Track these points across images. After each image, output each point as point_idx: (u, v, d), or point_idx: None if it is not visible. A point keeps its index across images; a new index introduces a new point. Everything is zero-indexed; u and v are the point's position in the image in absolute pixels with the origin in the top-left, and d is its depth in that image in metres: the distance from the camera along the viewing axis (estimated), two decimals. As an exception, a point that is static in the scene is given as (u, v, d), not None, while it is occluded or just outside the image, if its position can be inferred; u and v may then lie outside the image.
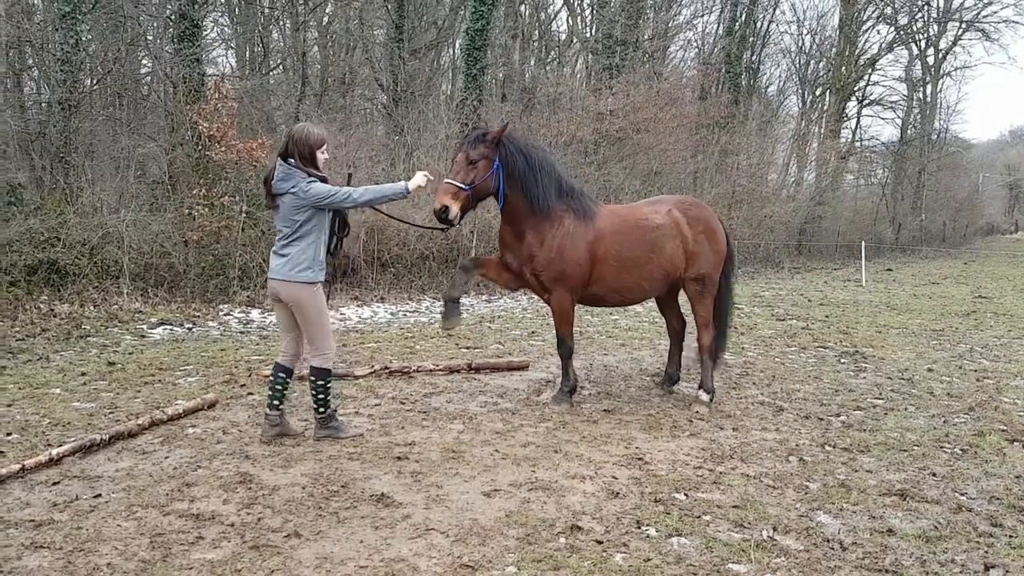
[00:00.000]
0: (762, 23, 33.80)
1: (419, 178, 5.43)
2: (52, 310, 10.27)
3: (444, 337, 9.56)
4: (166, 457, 4.99)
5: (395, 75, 23.07)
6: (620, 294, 6.57)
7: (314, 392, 5.38)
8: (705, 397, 6.69)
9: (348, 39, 26.51)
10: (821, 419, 6.40)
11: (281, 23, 26.35)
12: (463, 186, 5.80)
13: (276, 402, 5.38)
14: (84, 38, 14.84)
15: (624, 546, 3.94)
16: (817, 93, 38.36)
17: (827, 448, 5.65)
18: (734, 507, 4.49)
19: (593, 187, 20.69)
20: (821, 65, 38.32)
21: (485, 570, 3.63)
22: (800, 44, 38.09)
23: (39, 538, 3.78)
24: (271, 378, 5.43)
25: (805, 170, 36.42)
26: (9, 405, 6.11)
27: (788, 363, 8.66)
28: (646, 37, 28.80)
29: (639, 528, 4.17)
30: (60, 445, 4.97)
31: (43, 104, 16.25)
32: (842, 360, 8.90)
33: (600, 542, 3.97)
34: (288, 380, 5.42)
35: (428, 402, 6.55)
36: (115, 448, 5.12)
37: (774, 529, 4.19)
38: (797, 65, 37.85)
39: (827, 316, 12.62)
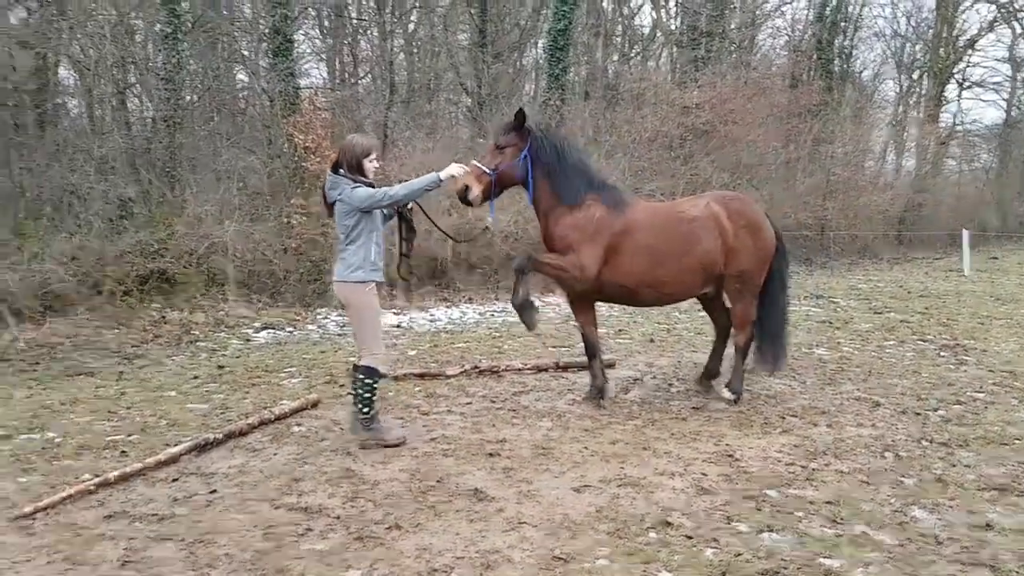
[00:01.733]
0: (854, 7, 32.67)
1: (453, 168, 5.60)
2: (164, 317, 10.90)
3: (531, 336, 9.71)
4: (275, 454, 5.31)
5: (479, 78, 23.38)
6: (655, 289, 6.32)
7: (360, 391, 5.47)
8: (729, 396, 6.62)
9: (433, 45, 27.04)
10: (919, 414, 6.27)
11: (369, 32, 27.07)
12: (487, 170, 5.88)
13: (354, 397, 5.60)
14: (184, 56, 15.64)
15: (714, 541, 4.00)
16: (915, 77, 36.87)
17: (924, 443, 5.54)
18: (827, 503, 4.49)
19: (679, 182, 20.52)
20: (918, 48, 36.83)
21: (577, 562, 3.75)
22: (895, 27, 36.69)
23: (163, 530, 4.11)
24: (353, 377, 5.61)
25: (903, 157, 35.13)
26: (129, 408, 6.57)
27: (886, 357, 8.46)
28: (732, 27, 28.31)
29: (729, 524, 4.21)
30: (177, 444, 5.35)
31: (148, 121, 17.22)
32: (942, 353, 8.64)
33: (690, 537, 4.04)
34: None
35: (517, 400, 6.72)
36: (228, 446, 5.46)
37: (867, 524, 4.17)
38: (892, 49, 36.48)
39: (927, 308, 12.20)
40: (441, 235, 7.54)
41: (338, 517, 4.25)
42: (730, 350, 6.91)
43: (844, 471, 5.01)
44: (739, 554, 3.85)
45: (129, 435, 5.77)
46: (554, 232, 6.16)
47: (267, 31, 17.83)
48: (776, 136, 23.61)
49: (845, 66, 33.18)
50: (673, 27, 29.28)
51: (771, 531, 4.11)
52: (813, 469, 5.04)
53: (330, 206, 5.46)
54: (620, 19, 30.58)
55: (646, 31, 30.86)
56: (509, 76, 25.63)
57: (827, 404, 6.58)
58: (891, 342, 9.33)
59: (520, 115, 5.99)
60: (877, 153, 34.11)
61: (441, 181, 5.51)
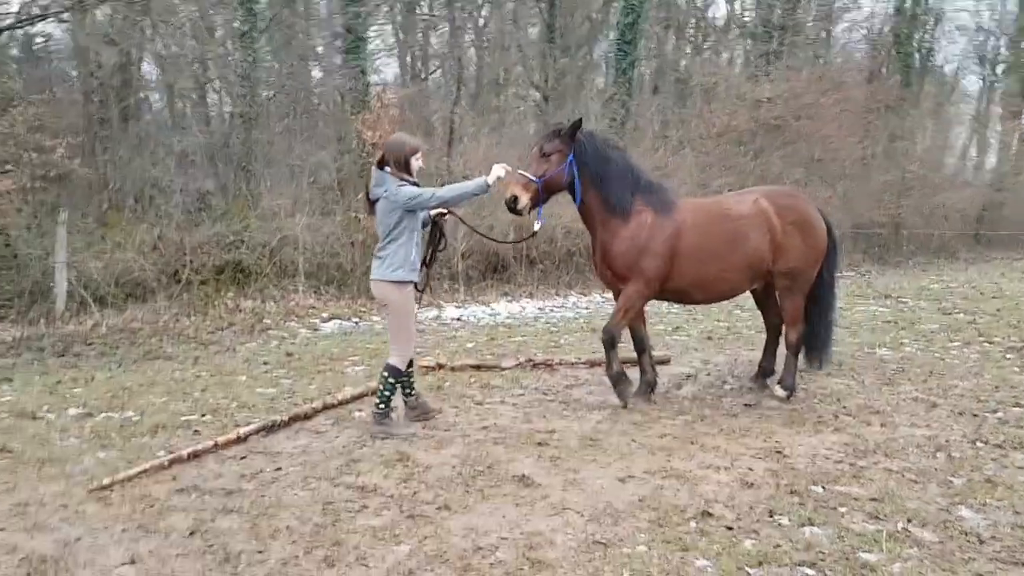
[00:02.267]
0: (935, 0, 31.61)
1: (497, 170, 5.61)
2: (238, 306, 11.38)
3: (588, 331, 9.84)
4: (336, 437, 5.57)
5: (546, 73, 23.48)
6: (703, 289, 6.37)
7: (381, 387, 5.60)
8: (781, 393, 6.59)
9: (502, 40, 27.25)
10: (976, 415, 6.18)
11: (439, 28, 27.45)
12: (533, 178, 5.87)
13: (408, 390, 5.86)
14: (261, 54, 16.19)
15: (754, 533, 4.08)
16: (999, 72, 35.51)
17: (978, 444, 5.49)
18: (872, 500, 4.51)
19: (748, 178, 20.29)
20: (1002, 42, 35.47)
21: (616, 547, 3.88)
22: (978, 21, 35.38)
23: (230, 504, 4.39)
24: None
25: (985, 154, 33.93)
26: (203, 390, 6.95)
27: (948, 359, 8.31)
28: (808, 21, 27.78)
29: (771, 517, 4.28)
30: (247, 425, 5.66)
31: (226, 117, 17.88)
32: (1008, 356, 8.43)
33: (730, 528, 4.13)
34: (411, 370, 5.83)
35: (569, 393, 6.86)
36: (293, 428, 5.76)
37: (909, 521, 4.19)
38: (975, 43, 35.20)
39: (998, 309, 11.86)
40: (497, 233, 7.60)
41: (391, 496, 4.47)
42: (782, 348, 6.90)
43: (893, 469, 5.00)
44: (778, 545, 3.92)
45: (202, 415, 6.12)
46: (612, 248, 6.15)
47: (340, 28, 18.28)
48: (851, 132, 23.10)
49: (925, 61, 32.22)
50: (747, 20, 28.88)
51: (812, 525, 4.17)
52: (861, 467, 5.05)
53: (372, 203, 5.56)
54: (694, 11, 30.28)
55: (720, 23, 30.47)
56: (578, 70, 25.67)
57: (883, 404, 6.53)
58: (956, 343, 9.14)
59: (578, 123, 5.99)
60: (957, 150, 33.06)
61: (489, 186, 5.55)
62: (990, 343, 9.15)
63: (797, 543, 3.95)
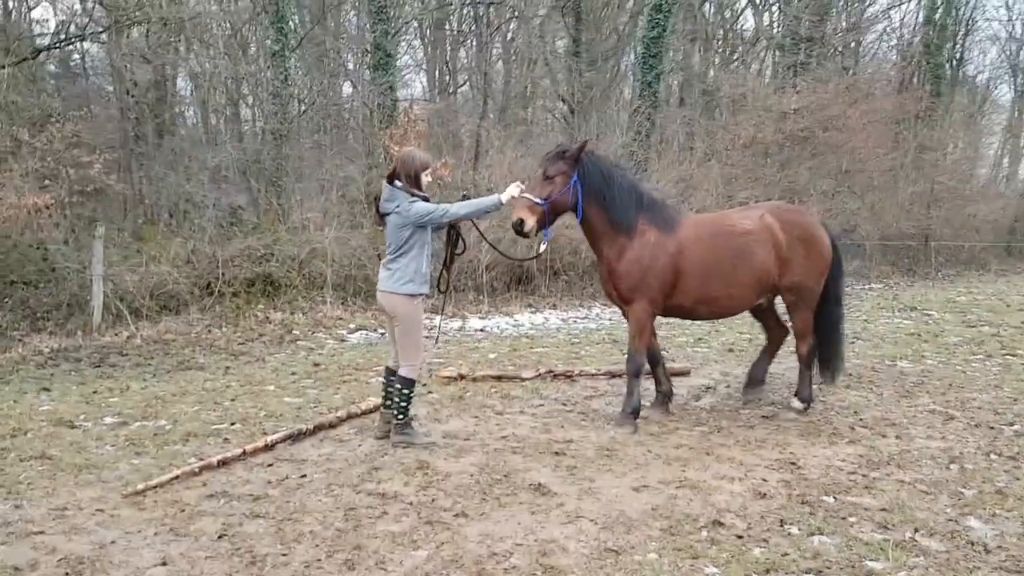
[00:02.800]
0: (965, 10, 31.37)
1: (512, 189, 5.75)
2: (267, 317, 11.64)
3: (610, 343, 9.96)
4: (359, 445, 5.75)
5: (573, 86, 23.66)
6: (709, 305, 6.42)
7: (397, 399, 5.71)
8: (799, 405, 6.65)
9: (529, 53, 27.50)
10: (992, 428, 6.23)
11: (468, 43, 27.79)
12: (539, 201, 5.90)
13: (390, 401, 5.86)
14: (292, 72, 16.55)
15: (764, 541, 4.18)
16: (1032, 81, 35.10)
17: (992, 456, 5.54)
18: (881, 510, 4.59)
19: (775, 189, 20.28)
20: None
21: (628, 555, 4.00)
22: (1011, 30, 35.08)
23: (256, 508, 4.58)
24: (384, 381, 5.92)
25: (1018, 164, 33.51)
26: (233, 400, 7.18)
27: (969, 371, 8.32)
28: (837, 32, 27.71)
29: (782, 526, 4.38)
30: (274, 433, 5.86)
31: (258, 133, 18.27)
32: (1031, 369, 8.43)
33: (740, 536, 4.23)
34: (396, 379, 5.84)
35: (588, 404, 6.99)
36: (318, 437, 5.94)
37: (916, 531, 4.27)
38: (1008, 53, 34.86)
39: (1023, 322, 11.79)
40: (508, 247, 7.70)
41: (411, 503, 4.63)
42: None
43: (905, 481, 5.07)
44: (786, 554, 4.02)
45: (232, 424, 6.34)
46: (617, 268, 6.19)
47: (369, 46, 18.62)
48: (879, 143, 22.99)
49: (956, 71, 31.95)
50: (774, 31, 28.88)
51: (821, 534, 4.26)
52: (874, 478, 5.13)
53: (382, 216, 5.66)
54: (722, 23, 30.34)
55: (748, 35, 30.48)
56: (604, 82, 25.84)
57: (899, 416, 6.58)
58: (978, 356, 9.13)
59: (582, 145, 6.08)
60: (990, 160, 32.70)
61: (502, 204, 5.68)
62: (1012, 356, 9.13)
63: (805, 552, 4.05)
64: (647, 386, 6.81)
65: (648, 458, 5.49)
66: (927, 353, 9.31)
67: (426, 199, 5.63)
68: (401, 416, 5.74)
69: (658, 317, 6.53)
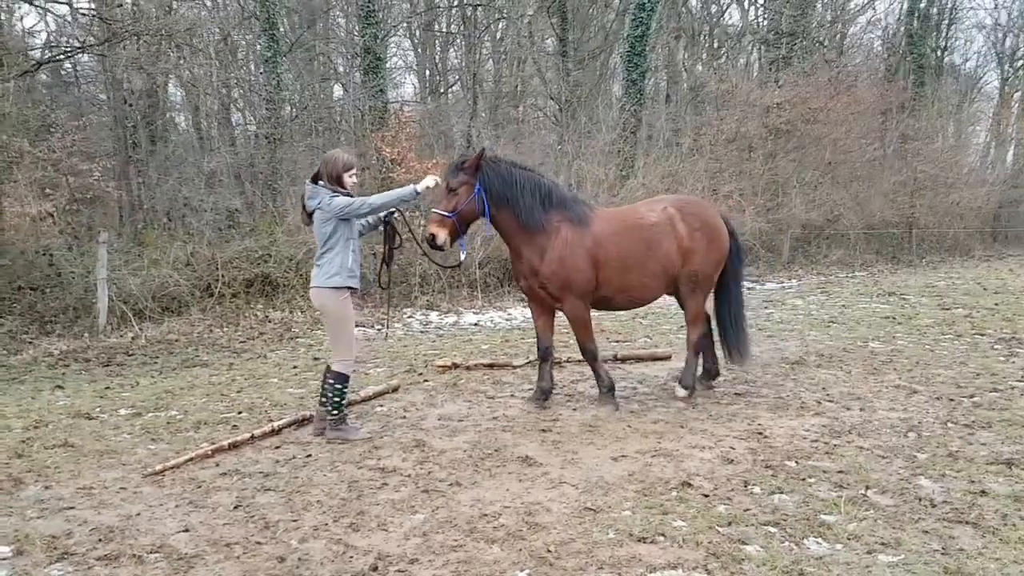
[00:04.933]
0: None
1: (428, 180, 5.98)
2: (267, 316, 12.05)
3: (597, 332, 10.38)
4: (360, 428, 6.16)
5: (561, 84, 24.08)
6: (627, 294, 6.65)
7: (330, 395, 5.81)
8: (681, 392, 6.85)
9: (518, 53, 27.90)
10: (952, 399, 6.66)
11: (457, 43, 28.18)
12: (447, 214, 6.10)
13: (324, 398, 5.92)
14: (284, 77, 16.94)
15: (728, 500, 4.61)
16: (1018, 69, 35.62)
17: (949, 425, 5.98)
18: (839, 472, 5.02)
19: (759, 182, 20.76)
20: (1021, 39, 35.61)
21: (605, 512, 4.43)
22: (996, 18, 35.60)
23: (267, 483, 5.01)
24: (325, 377, 5.92)
25: (1004, 151, 34.04)
26: (239, 391, 7.60)
27: (938, 350, 8.77)
28: (820, 25, 28.16)
29: (745, 487, 4.81)
30: (279, 420, 6.28)
31: (251, 137, 18.66)
32: (995, 347, 8.88)
33: (707, 496, 4.67)
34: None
35: (574, 387, 7.43)
36: (320, 422, 6.36)
37: (868, 488, 4.71)
38: (994, 40, 35.40)
39: (996, 304, 12.26)
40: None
41: (409, 475, 5.06)
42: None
43: (864, 447, 5.51)
44: (748, 509, 4.45)
45: (239, 413, 6.76)
46: (542, 271, 6.34)
47: (359, 49, 19.01)
48: (862, 133, 23.46)
49: (940, 60, 32.44)
50: (759, 26, 29.34)
51: (781, 493, 4.69)
52: (835, 445, 5.56)
53: (309, 215, 5.80)
54: (707, 19, 30.78)
55: (735, 30, 30.91)
56: (593, 80, 26.25)
57: (865, 391, 7.03)
58: (948, 336, 9.59)
59: (480, 153, 6.26)
60: (977, 148, 33.22)
61: (418, 193, 5.82)
62: (981, 335, 9.59)
63: (765, 507, 4.48)
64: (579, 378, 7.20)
65: (627, 432, 5.93)
66: (899, 334, 9.76)
67: (349, 195, 5.76)
68: (335, 412, 5.86)
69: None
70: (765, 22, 28.48)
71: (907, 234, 23.81)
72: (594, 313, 6.82)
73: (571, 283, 6.36)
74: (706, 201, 7.24)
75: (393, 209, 6.08)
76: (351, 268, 5.78)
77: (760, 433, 5.84)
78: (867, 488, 4.72)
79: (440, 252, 6.44)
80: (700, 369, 7.23)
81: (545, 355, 6.80)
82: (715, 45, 31.04)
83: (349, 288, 5.82)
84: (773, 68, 24.11)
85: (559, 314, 6.75)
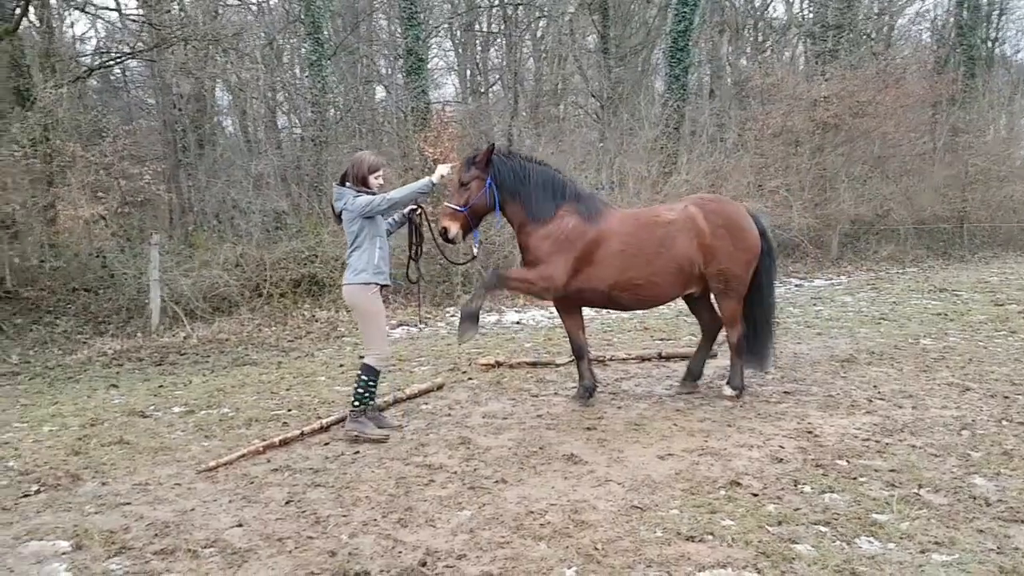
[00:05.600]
0: (1000, -11, 30.96)
1: (441, 169, 5.98)
2: (314, 316, 12.22)
3: (641, 330, 10.36)
4: (406, 425, 6.24)
5: (602, 82, 24.01)
6: (633, 292, 6.47)
7: (356, 386, 5.91)
8: (729, 392, 6.76)
9: (559, 50, 27.88)
10: (1007, 397, 6.50)
11: (498, 43, 28.26)
12: (458, 208, 6.18)
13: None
14: (328, 81, 17.15)
15: (778, 499, 4.56)
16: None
17: (1003, 422, 5.83)
18: (891, 471, 4.93)
19: (806, 177, 20.45)
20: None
21: (652, 511, 4.42)
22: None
23: (317, 479, 5.09)
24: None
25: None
26: (288, 389, 7.73)
27: (991, 347, 8.55)
28: (863, 18, 27.65)
29: (795, 486, 4.75)
30: (328, 417, 6.37)
31: (297, 140, 18.94)
32: (1052, 343, 8.64)
33: (756, 495, 4.62)
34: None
35: (619, 385, 7.41)
36: (367, 420, 6.43)
37: (921, 487, 4.62)
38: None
39: (1053, 300, 11.93)
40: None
41: (455, 472, 5.10)
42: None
43: (916, 445, 5.41)
44: (798, 509, 4.40)
45: (288, 410, 6.88)
46: (528, 244, 6.39)
47: (401, 51, 19.17)
48: (912, 127, 22.97)
49: (991, 51, 31.60)
50: (804, 19, 28.92)
51: (832, 492, 4.63)
52: (887, 443, 5.46)
53: (338, 216, 5.93)
54: (752, 13, 30.43)
55: (780, 23, 30.51)
56: (635, 76, 26.12)
57: (918, 389, 6.88)
58: (1001, 332, 9.35)
59: (490, 148, 6.27)
60: (1030, 140, 32.24)
61: (434, 184, 5.88)
62: (1037, 331, 9.34)
63: (816, 507, 4.42)
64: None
65: (674, 430, 5.89)
66: (951, 331, 9.54)
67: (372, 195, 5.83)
68: (358, 404, 5.91)
69: (595, 312, 6.61)
70: (811, 15, 28.07)
71: (959, 229, 23.22)
72: (633, 313, 6.74)
73: (548, 257, 6.29)
74: (729, 199, 7.06)
75: (415, 205, 6.16)
76: (378, 265, 5.85)
77: (810, 432, 5.76)
78: (920, 487, 4.64)
79: (452, 245, 6.51)
80: (704, 365, 7.21)
81: (580, 353, 6.79)
82: (760, 39, 30.67)
83: (378, 284, 5.88)
84: (819, 61, 23.73)
85: (587, 311, 6.70)
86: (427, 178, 5.95)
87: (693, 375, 7.15)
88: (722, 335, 7.08)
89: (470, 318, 6.33)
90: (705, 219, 6.52)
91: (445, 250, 6.53)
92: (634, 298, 6.62)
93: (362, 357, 6.13)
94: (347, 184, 5.91)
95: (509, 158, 6.41)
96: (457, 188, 6.31)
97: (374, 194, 5.85)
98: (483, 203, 6.29)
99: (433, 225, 6.49)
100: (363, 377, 5.93)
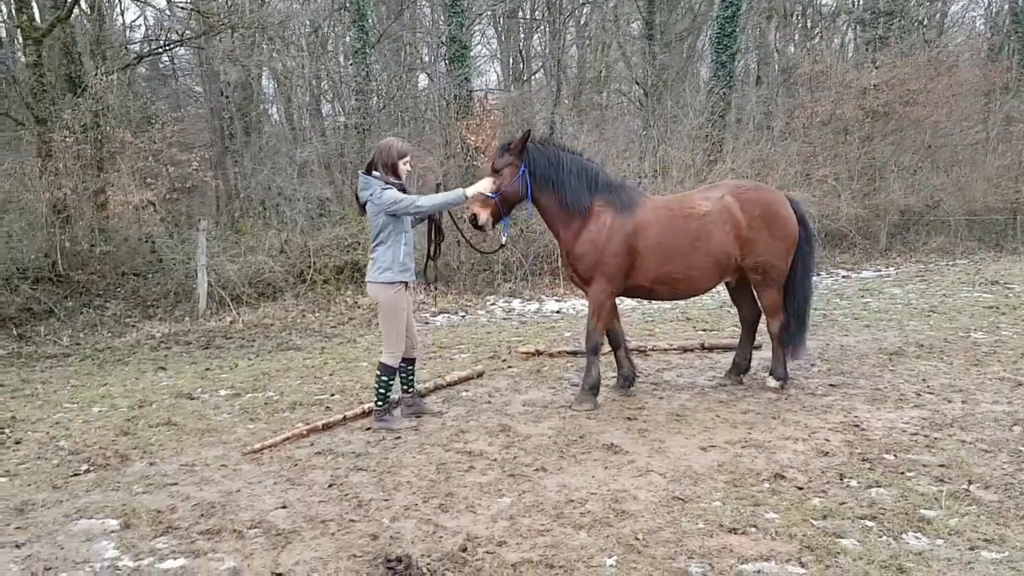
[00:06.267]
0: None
1: (481, 184, 5.99)
2: (356, 302, 12.33)
3: (683, 320, 10.27)
4: (446, 412, 6.27)
5: (647, 69, 23.77)
6: (669, 285, 6.39)
7: (376, 386, 5.85)
8: (773, 383, 6.66)
9: (603, 37, 27.66)
10: (1062, 394, 6.32)
11: (541, 30, 28.13)
12: (490, 195, 6.06)
13: (406, 387, 6.15)
14: (372, 69, 17.23)
15: (823, 493, 4.49)
16: None
17: (1058, 420, 5.67)
18: (940, 466, 4.82)
19: (855, 166, 20.05)
20: None
21: (694, 502, 4.38)
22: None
23: (359, 463, 5.13)
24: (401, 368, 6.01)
25: None
26: (331, 374, 7.81)
27: (1046, 342, 8.33)
28: (915, 4, 26.97)
29: (841, 480, 4.67)
30: (370, 402, 6.41)
31: (341, 128, 19.08)
32: (1110, 338, 8.37)
33: (801, 488, 4.55)
34: (410, 367, 6.14)
35: (660, 376, 7.35)
36: (409, 406, 6.48)
37: (971, 483, 4.51)
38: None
39: (1111, 294, 11.55)
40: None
41: (495, 460, 5.11)
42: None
43: (966, 441, 5.28)
44: (843, 503, 4.32)
45: (332, 395, 6.96)
46: (574, 250, 6.27)
47: (444, 38, 19.18)
48: (963, 116, 22.38)
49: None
50: (854, 5, 28.31)
51: (879, 487, 4.54)
52: (936, 438, 5.35)
53: (362, 206, 5.81)
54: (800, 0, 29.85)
55: (829, 10, 29.90)
56: (680, 63, 25.82)
57: (968, 383, 6.72)
58: (1057, 327, 9.09)
59: (526, 135, 6.15)
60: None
61: (467, 198, 5.83)
62: (1094, 326, 9.05)
63: (862, 501, 4.34)
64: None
65: (716, 422, 5.83)
66: (1003, 324, 9.30)
67: (402, 188, 5.73)
68: (380, 403, 5.87)
69: (636, 302, 6.53)
70: (861, 1, 27.47)
71: (1012, 220, 22.57)
72: (675, 303, 6.68)
73: (602, 266, 6.20)
74: (767, 187, 6.87)
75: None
76: (403, 262, 5.74)
77: (856, 425, 5.66)
78: (970, 483, 4.53)
79: (482, 232, 6.39)
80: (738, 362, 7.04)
81: (616, 342, 6.72)
82: (808, 25, 30.11)
83: (402, 283, 5.80)
84: (869, 48, 23.25)
85: (629, 300, 6.59)
86: (461, 190, 5.90)
87: (739, 368, 7.03)
88: (762, 325, 6.97)
89: (595, 390, 6.38)
90: (742, 209, 6.37)
91: (473, 240, 6.36)
92: (671, 291, 6.55)
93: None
94: (374, 172, 5.76)
95: (544, 146, 6.31)
96: (491, 175, 6.22)
97: (403, 186, 5.76)
98: (515, 190, 6.19)
99: (459, 222, 6.35)
100: (382, 377, 5.84)
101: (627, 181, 6.74)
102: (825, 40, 29.14)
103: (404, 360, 6.06)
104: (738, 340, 7.27)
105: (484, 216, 6.12)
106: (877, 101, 20.47)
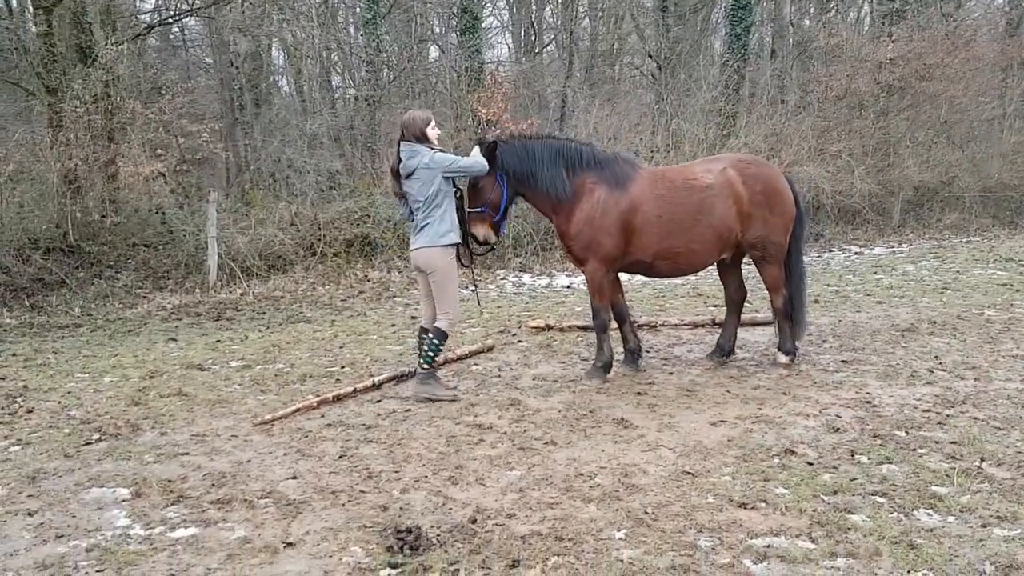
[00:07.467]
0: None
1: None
2: (366, 276, 12.33)
3: (695, 296, 10.23)
4: (456, 385, 6.27)
5: (660, 41, 23.51)
6: (671, 260, 6.31)
7: (426, 348, 5.85)
8: (784, 359, 6.62)
9: (616, 9, 27.32)
10: (1077, 371, 6.27)
11: (554, 1, 27.80)
12: (479, 209, 6.06)
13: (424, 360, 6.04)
14: (383, 40, 17.10)
15: (834, 468, 4.47)
16: None
17: (1072, 398, 5.62)
18: (952, 443, 4.80)
19: (869, 141, 19.84)
20: None
21: (703, 477, 4.37)
22: None
23: (369, 435, 5.15)
24: (420, 338, 6.09)
25: None
26: (341, 347, 7.82)
27: (1061, 319, 8.26)
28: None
29: (852, 456, 4.65)
30: (380, 375, 6.44)
31: (351, 100, 19.00)
32: None
33: (811, 464, 4.54)
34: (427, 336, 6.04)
35: (671, 351, 7.33)
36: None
37: (983, 460, 4.49)
38: None
39: None
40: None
41: (505, 433, 5.11)
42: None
43: (979, 418, 5.25)
44: (854, 479, 4.30)
45: (342, 367, 6.98)
46: (568, 231, 6.20)
47: (456, 10, 18.99)
48: (979, 91, 22.07)
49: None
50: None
51: (890, 463, 4.52)
52: (948, 415, 5.32)
53: (406, 176, 5.73)
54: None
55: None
56: (693, 36, 25.51)
57: (981, 360, 6.67)
58: (1072, 304, 9.01)
59: (492, 145, 6.04)
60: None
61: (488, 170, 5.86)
62: (1110, 304, 8.96)
63: (873, 477, 4.32)
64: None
65: (727, 397, 5.82)
66: (1017, 302, 9.22)
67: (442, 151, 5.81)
68: (427, 365, 5.89)
69: (632, 276, 6.39)
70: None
71: (1029, 197, 22.37)
72: (686, 279, 6.62)
73: (596, 245, 6.14)
74: (768, 162, 6.76)
75: (456, 188, 6.02)
76: (456, 224, 5.84)
77: (868, 402, 5.64)
78: (982, 460, 4.50)
79: (487, 246, 6.36)
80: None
81: (620, 317, 6.68)
82: (825, -1, 29.63)
83: (456, 245, 5.87)
84: (886, 22, 22.86)
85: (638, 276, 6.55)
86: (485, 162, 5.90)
87: (723, 350, 6.91)
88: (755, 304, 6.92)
89: (607, 367, 6.40)
90: (744, 184, 6.28)
91: (471, 249, 6.35)
92: (672, 266, 6.46)
93: (413, 318, 6.15)
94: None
95: (509, 143, 6.18)
96: (473, 191, 6.13)
97: (442, 149, 5.83)
98: (499, 197, 6.13)
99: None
100: (434, 340, 5.85)
101: (622, 154, 6.59)
102: (841, 13, 28.69)
103: (425, 331, 6.06)
104: (736, 321, 7.08)
105: (482, 231, 6.14)
106: (893, 75, 20.20)
